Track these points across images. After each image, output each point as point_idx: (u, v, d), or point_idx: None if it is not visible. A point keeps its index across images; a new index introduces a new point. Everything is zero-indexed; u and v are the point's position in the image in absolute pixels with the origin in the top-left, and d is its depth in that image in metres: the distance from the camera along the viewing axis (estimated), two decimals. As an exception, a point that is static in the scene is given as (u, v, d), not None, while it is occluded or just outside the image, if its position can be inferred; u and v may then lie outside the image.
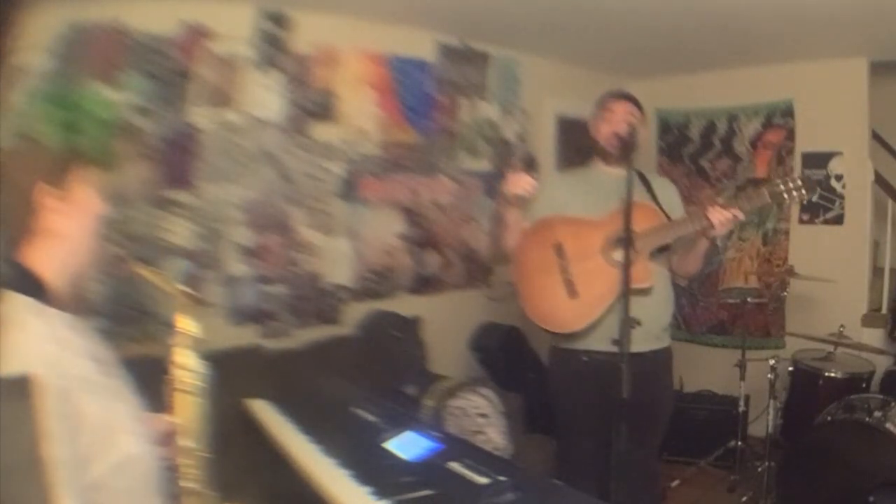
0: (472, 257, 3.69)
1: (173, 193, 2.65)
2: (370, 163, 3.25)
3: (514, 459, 2.47)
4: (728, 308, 4.11)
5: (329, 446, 1.77)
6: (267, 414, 2.14)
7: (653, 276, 2.09)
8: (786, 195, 2.06)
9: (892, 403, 2.63)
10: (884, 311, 3.72)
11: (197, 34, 2.69)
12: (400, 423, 1.81)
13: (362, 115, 3.22)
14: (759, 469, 3.08)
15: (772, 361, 3.13)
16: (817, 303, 3.71)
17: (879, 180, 3.80)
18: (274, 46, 2.91)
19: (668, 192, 2.31)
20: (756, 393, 3.38)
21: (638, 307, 1.85)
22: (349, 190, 3.18)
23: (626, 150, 2.09)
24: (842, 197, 3.80)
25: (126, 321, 2.45)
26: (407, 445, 1.66)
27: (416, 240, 3.47)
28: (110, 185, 2.25)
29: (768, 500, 2.94)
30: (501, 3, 2.98)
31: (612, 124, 2.20)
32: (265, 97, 2.90)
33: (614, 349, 1.81)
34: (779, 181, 2.07)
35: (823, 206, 3.85)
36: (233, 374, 2.14)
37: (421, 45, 3.43)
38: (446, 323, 3.48)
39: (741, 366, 3.30)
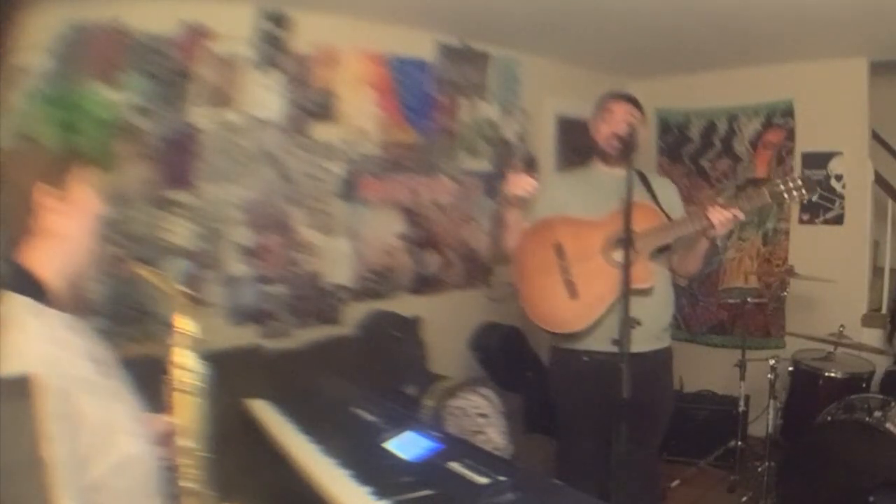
0: (472, 257, 3.69)
1: (173, 193, 2.65)
2: (370, 163, 3.25)
3: (514, 459, 2.46)
4: (728, 308, 4.10)
5: (329, 446, 1.76)
6: (267, 414, 2.14)
7: (653, 276, 2.09)
8: (786, 195, 2.06)
9: (892, 403, 2.62)
10: (884, 311, 3.72)
11: (197, 34, 2.69)
12: (400, 423, 1.81)
13: (362, 115, 3.22)
14: (759, 469, 3.08)
15: (772, 361, 3.13)
16: (817, 303, 3.71)
17: (879, 180, 3.80)
18: (274, 46, 2.91)
19: (668, 192, 2.31)
20: (756, 393, 3.38)
21: (638, 307, 1.85)
22: (349, 190, 3.18)
23: (625, 150, 2.09)
24: (842, 197, 3.80)
25: (126, 321, 2.45)
26: (407, 445, 1.66)
27: (416, 240, 3.47)
28: (110, 185, 2.25)
29: (768, 500, 2.94)
30: (501, 3, 2.98)
31: (612, 125, 2.20)
32: (265, 97, 2.90)
33: (614, 349, 1.81)
34: (779, 181, 2.07)
35: (823, 206, 3.85)
36: (233, 374, 2.14)
37: (421, 45, 3.43)
38: (446, 323, 3.48)
39: (741, 366, 3.30)
